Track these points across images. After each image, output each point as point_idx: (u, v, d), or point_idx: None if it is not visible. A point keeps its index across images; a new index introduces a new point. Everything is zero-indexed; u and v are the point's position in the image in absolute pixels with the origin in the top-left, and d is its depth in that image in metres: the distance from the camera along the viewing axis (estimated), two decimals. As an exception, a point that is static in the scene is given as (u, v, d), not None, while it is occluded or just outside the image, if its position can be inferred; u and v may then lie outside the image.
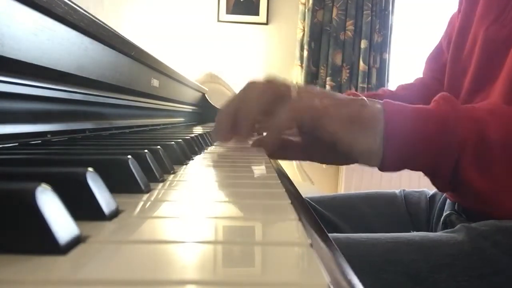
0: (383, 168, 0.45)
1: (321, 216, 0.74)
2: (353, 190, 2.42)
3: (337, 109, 0.43)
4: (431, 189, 0.77)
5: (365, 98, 0.45)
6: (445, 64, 0.79)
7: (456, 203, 0.68)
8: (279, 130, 0.45)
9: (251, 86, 0.49)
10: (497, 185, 0.41)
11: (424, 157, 0.42)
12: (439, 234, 0.53)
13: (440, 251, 0.48)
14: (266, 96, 0.46)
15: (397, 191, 0.79)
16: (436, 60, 0.84)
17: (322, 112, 0.43)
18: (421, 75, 0.88)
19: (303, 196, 0.36)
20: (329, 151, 0.48)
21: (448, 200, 0.72)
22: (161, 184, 0.32)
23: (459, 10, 0.73)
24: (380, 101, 0.45)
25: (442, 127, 0.41)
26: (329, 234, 0.56)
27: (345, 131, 0.43)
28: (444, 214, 0.68)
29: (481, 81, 0.61)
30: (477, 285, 0.45)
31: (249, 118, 0.46)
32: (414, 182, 2.38)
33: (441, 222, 0.68)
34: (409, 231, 0.69)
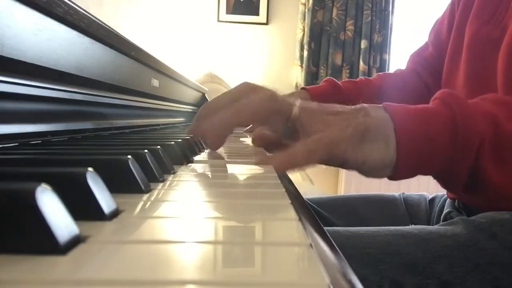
0: (395, 177, 0.42)
1: (321, 218, 0.74)
2: (353, 190, 2.42)
3: (343, 127, 0.40)
4: (431, 192, 0.78)
5: (366, 105, 0.42)
6: (427, 59, 0.82)
7: (456, 201, 0.68)
8: (295, 165, 0.40)
9: (246, 91, 0.46)
10: None
11: (441, 159, 0.40)
12: (436, 227, 0.54)
13: (437, 242, 0.49)
14: (265, 109, 0.43)
15: (396, 194, 0.80)
16: (419, 54, 0.87)
17: (334, 142, 0.39)
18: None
19: (303, 196, 0.36)
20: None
21: (448, 200, 0.72)
22: (161, 184, 0.32)
23: (451, 11, 0.75)
24: (379, 105, 0.42)
25: (457, 127, 0.39)
26: (328, 228, 0.56)
27: (354, 150, 0.40)
28: (444, 212, 0.68)
29: (475, 78, 0.62)
30: (473, 275, 0.46)
31: (233, 125, 0.44)
32: (414, 182, 2.38)
33: (441, 220, 0.68)
34: None
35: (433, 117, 0.40)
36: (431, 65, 0.83)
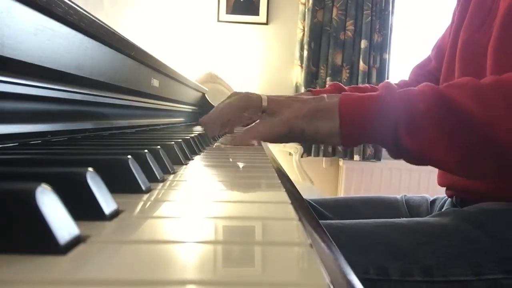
0: (344, 144, 0.56)
1: (323, 218, 0.75)
2: (353, 191, 2.42)
3: (300, 109, 0.56)
4: (430, 192, 0.79)
5: (325, 95, 0.57)
6: (430, 72, 0.87)
7: (454, 198, 0.69)
8: (255, 138, 0.61)
9: (232, 96, 0.66)
10: (425, 145, 0.50)
11: (371, 132, 0.53)
12: (426, 218, 0.58)
13: (424, 231, 0.54)
14: (241, 104, 0.63)
15: (398, 196, 0.81)
16: (421, 67, 0.91)
17: (290, 119, 0.56)
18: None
19: (304, 196, 0.36)
20: (294, 140, 0.61)
21: (448, 200, 0.72)
22: (161, 184, 0.32)
23: (452, 22, 0.79)
24: (338, 94, 0.56)
25: (380, 108, 0.52)
26: (322, 221, 0.61)
27: (308, 124, 0.55)
28: (444, 209, 0.69)
29: None
30: (456, 261, 0.50)
31: (223, 118, 0.65)
32: (414, 182, 2.38)
33: None
34: None
35: (367, 100, 0.53)
36: (435, 78, 0.85)
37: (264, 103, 0.60)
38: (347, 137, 0.54)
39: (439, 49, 0.86)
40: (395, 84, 0.93)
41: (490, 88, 0.48)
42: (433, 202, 0.78)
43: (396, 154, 0.54)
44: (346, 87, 0.87)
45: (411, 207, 0.78)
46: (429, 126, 0.50)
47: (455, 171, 0.54)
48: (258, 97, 0.61)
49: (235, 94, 0.66)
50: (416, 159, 0.53)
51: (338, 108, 0.54)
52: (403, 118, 0.51)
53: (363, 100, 0.54)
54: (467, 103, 0.48)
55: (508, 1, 0.58)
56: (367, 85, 0.93)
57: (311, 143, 0.70)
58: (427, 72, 0.89)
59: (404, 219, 0.58)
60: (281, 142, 0.64)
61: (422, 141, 0.50)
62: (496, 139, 0.47)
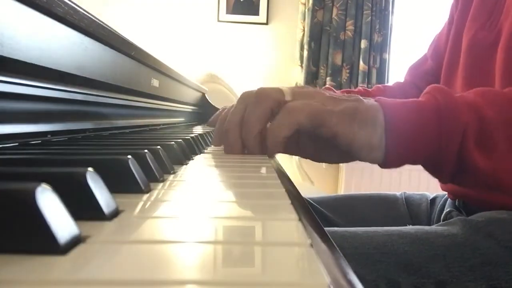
0: (386, 163, 0.44)
1: (323, 216, 0.75)
2: (353, 190, 2.42)
3: (334, 105, 0.43)
4: (431, 192, 0.78)
5: (359, 96, 0.45)
6: (426, 72, 0.84)
7: (456, 200, 0.68)
8: (281, 137, 0.43)
9: (246, 100, 0.48)
10: (502, 164, 0.41)
11: (428, 145, 0.42)
12: (434, 227, 0.55)
13: (433, 242, 0.50)
14: (264, 107, 0.46)
15: (398, 193, 0.80)
16: (417, 67, 0.88)
17: (320, 110, 0.42)
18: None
19: (304, 196, 0.36)
20: (325, 147, 0.48)
21: (449, 200, 0.72)
22: (161, 184, 0.32)
23: (449, 21, 0.76)
24: (372, 98, 0.45)
25: (441, 115, 0.41)
26: (327, 228, 0.58)
27: (345, 125, 0.42)
28: (445, 211, 0.68)
29: (474, 83, 0.63)
30: (469, 275, 0.47)
31: (254, 134, 0.47)
32: (414, 182, 2.38)
33: (441, 219, 0.68)
34: None
35: (420, 107, 0.42)
36: (431, 78, 0.84)
37: (288, 97, 0.45)
38: (393, 153, 0.43)
39: (436, 47, 0.83)
40: (389, 85, 0.92)
41: None
42: (433, 200, 0.77)
43: (456, 176, 0.44)
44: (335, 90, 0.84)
45: (410, 206, 0.77)
46: (506, 142, 0.40)
47: None
48: (278, 91, 0.46)
49: (247, 94, 0.50)
50: (485, 182, 0.43)
51: (383, 112, 0.43)
52: (473, 129, 0.41)
53: (414, 104, 0.43)
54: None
55: None
56: (360, 88, 0.90)
57: (341, 159, 0.50)
58: (423, 72, 0.86)
59: (412, 227, 0.54)
60: (301, 151, 0.52)
61: (498, 159, 0.41)
62: None
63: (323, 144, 0.47)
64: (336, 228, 0.55)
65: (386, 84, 0.93)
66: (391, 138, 0.42)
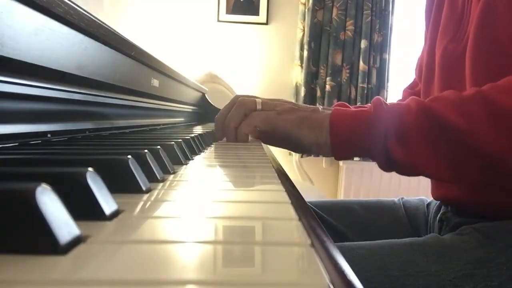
0: (335, 156, 0.58)
1: (322, 221, 0.75)
2: (352, 191, 2.42)
3: (289, 114, 0.60)
4: (428, 197, 0.79)
5: (320, 107, 0.61)
6: (419, 93, 0.86)
7: (449, 206, 0.69)
8: (244, 133, 0.64)
9: (232, 104, 0.67)
10: (414, 156, 0.52)
11: (362, 144, 0.55)
12: (448, 238, 0.54)
13: (458, 259, 0.50)
14: (239, 112, 0.65)
15: (395, 199, 0.81)
16: (411, 88, 0.92)
17: (271, 118, 0.60)
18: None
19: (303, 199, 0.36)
20: (284, 143, 0.64)
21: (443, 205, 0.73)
22: (161, 184, 0.32)
23: (425, 42, 0.82)
24: (331, 108, 0.59)
25: (371, 121, 0.54)
26: (340, 244, 0.59)
27: (295, 128, 0.59)
28: (440, 212, 0.69)
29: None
30: None
31: (230, 129, 0.66)
32: (414, 181, 2.38)
33: (437, 220, 0.69)
34: (408, 233, 0.71)
35: (358, 115, 0.56)
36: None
37: (258, 106, 0.64)
38: (337, 148, 0.57)
39: (419, 68, 0.85)
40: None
41: (472, 100, 0.50)
42: (429, 204, 0.78)
43: (387, 166, 0.55)
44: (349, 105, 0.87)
45: (408, 209, 0.78)
46: (417, 138, 0.51)
47: (444, 178, 0.55)
48: (252, 101, 0.64)
49: (234, 100, 0.67)
50: (407, 170, 0.55)
51: (330, 120, 0.56)
52: (393, 130, 0.53)
53: (355, 113, 0.56)
54: (450, 115, 0.50)
55: (480, 7, 0.57)
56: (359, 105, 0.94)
57: (298, 151, 0.73)
58: (416, 93, 0.87)
59: (429, 238, 0.55)
60: (270, 143, 0.67)
61: (411, 152, 0.52)
62: (478, 150, 0.48)
63: (281, 140, 0.63)
64: (350, 244, 0.55)
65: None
66: (333, 139, 0.56)
